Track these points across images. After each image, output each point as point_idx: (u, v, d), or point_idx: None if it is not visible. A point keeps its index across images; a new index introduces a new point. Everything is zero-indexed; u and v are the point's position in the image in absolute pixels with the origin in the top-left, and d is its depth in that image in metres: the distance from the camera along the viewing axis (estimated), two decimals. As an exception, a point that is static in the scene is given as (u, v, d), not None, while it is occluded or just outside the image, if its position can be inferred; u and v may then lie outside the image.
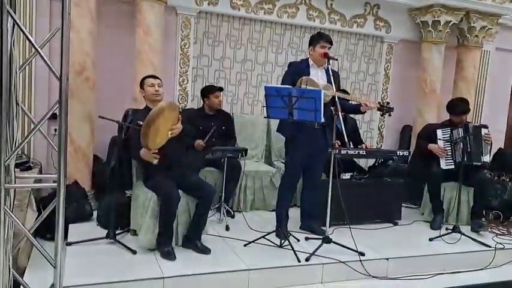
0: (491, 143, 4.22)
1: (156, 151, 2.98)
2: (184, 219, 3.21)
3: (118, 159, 3.32)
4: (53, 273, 1.96)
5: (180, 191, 3.17)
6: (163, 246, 3.02)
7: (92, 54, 3.98)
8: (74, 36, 3.70)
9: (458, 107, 4.24)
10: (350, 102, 3.60)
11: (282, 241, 3.32)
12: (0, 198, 1.85)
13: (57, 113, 1.81)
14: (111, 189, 3.34)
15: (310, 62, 3.51)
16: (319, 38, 3.49)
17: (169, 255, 2.98)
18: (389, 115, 3.66)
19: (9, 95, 1.81)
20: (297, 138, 3.44)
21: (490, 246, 3.70)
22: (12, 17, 1.72)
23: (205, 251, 3.13)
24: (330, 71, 3.35)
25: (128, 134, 3.19)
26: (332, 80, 3.28)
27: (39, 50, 1.69)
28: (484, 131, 4.15)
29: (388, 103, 3.63)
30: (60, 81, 1.72)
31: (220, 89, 4.41)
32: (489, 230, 4.12)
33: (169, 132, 3.00)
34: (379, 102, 3.64)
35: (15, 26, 1.85)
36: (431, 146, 4.21)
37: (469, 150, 4.02)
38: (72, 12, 3.22)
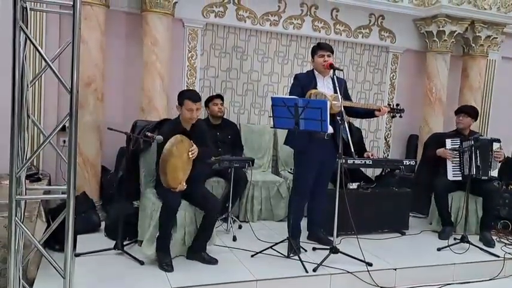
0: (504, 157, 4.16)
1: (184, 185, 3.08)
2: (193, 230, 3.22)
3: (126, 170, 3.34)
4: (62, 284, 1.98)
5: (186, 201, 3.19)
6: (161, 255, 3.02)
7: (101, 66, 4.04)
8: (83, 48, 3.75)
9: (460, 107, 4.44)
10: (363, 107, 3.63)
11: (290, 253, 3.32)
12: (12, 210, 1.87)
13: (68, 126, 1.84)
14: (119, 200, 3.36)
15: (315, 72, 3.54)
16: (316, 48, 3.54)
17: (163, 268, 2.96)
18: (401, 116, 3.70)
19: (20, 108, 1.84)
20: (308, 151, 3.39)
21: (498, 256, 3.67)
22: (24, 32, 1.76)
23: (212, 261, 3.13)
24: (336, 80, 3.38)
25: (136, 145, 3.22)
26: (338, 89, 3.30)
27: (50, 64, 1.73)
28: (495, 145, 4.08)
29: (398, 104, 3.68)
30: (71, 95, 1.76)
31: (218, 96, 4.44)
32: (498, 239, 4.09)
33: (190, 156, 3.10)
34: (388, 104, 3.67)
35: (27, 40, 1.89)
36: (439, 151, 4.19)
37: (478, 164, 3.99)
38: (82, 25, 3.28)
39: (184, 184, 3.08)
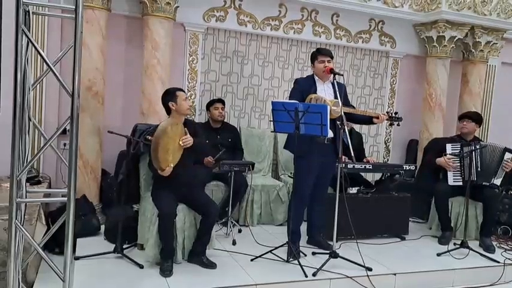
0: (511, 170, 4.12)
1: (171, 167, 3.02)
2: (192, 234, 3.22)
3: (126, 173, 3.35)
4: (62, 287, 1.98)
5: (184, 205, 3.19)
6: (163, 261, 3.03)
7: (102, 70, 4.05)
8: (84, 51, 3.76)
9: (464, 113, 4.43)
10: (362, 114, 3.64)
11: (290, 257, 3.31)
12: (12, 212, 1.87)
13: (69, 129, 1.85)
14: (119, 203, 3.37)
15: (316, 77, 3.55)
16: (316, 53, 3.55)
17: (164, 272, 2.96)
18: (398, 125, 3.72)
19: (22, 112, 1.85)
20: (308, 155, 3.40)
21: (498, 262, 3.66)
22: (26, 35, 1.77)
23: (212, 265, 3.13)
24: (336, 85, 3.39)
25: (136, 148, 3.22)
26: (338, 94, 3.31)
27: (52, 67, 1.73)
28: (508, 155, 4.04)
29: (396, 113, 3.71)
30: (72, 98, 1.76)
31: (220, 101, 4.46)
32: (498, 245, 4.09)
33: (181, 144, 3.07)
34: (387, 112, 3.68)
35: (29, 43, 1.90)
36: (438, 160, 4.17)
37: (479, 169, 3.98)
38: (83, 28, 3.30)
39: (171, 168, 3.02)
